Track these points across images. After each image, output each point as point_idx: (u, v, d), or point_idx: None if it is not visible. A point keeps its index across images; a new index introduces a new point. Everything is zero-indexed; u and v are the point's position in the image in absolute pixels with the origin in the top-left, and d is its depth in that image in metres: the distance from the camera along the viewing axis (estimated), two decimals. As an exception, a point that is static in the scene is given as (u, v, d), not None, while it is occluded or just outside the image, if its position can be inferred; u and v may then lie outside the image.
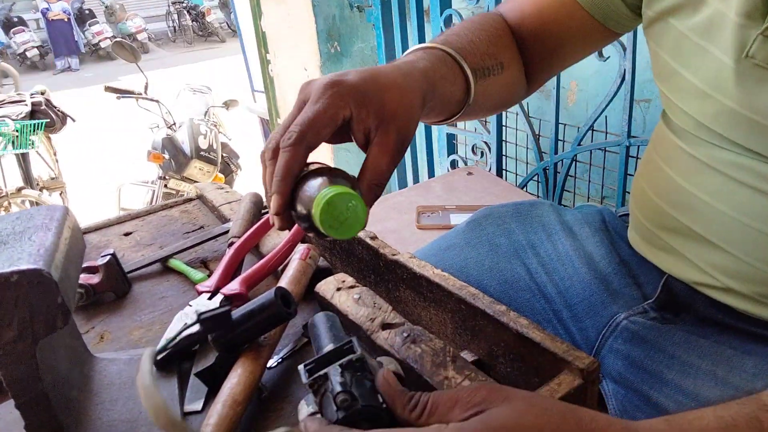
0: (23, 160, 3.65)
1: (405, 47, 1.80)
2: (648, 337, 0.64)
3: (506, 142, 1.62)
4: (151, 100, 3.62)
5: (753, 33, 0.48)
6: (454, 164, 1.79)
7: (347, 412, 0.37)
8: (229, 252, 0.70)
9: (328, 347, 0.43)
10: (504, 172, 1.64)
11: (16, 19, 11.98)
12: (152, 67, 8.72)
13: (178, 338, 0.53)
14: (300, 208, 0.44)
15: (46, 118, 3.55)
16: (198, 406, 0.52)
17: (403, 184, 2.03)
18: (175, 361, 0.57)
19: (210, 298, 0.62)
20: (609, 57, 1.25)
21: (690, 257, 0.61)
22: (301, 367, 0.41)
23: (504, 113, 1.57)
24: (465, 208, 1.40)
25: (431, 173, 1.88)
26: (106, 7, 13.69)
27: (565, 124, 1.44)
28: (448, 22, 1.55)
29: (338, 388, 0.37)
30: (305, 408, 0.42)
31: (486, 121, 1.59)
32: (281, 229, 0.46)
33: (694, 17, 0.54)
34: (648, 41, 0.63)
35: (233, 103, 3.96)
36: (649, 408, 0.59)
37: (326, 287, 0.63)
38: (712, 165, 0.56)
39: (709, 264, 0.59)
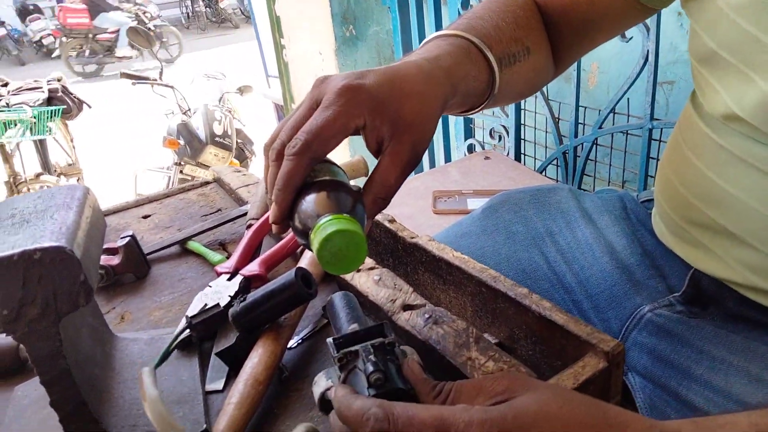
0: (41, 147, 3.69)
1: (421, 31, 1.78)
2: (675, 331, 0.61)
3: (525, 125, 1.60)
4: (166, 86, 3.63)
5: None
6: (471, 149, 1.77)
7: (379, 391, 0.36)
8: (248, 234, 0.70)
9: (352, 327, 0.43)
10: (522, 156, 1.62)
11: (32, 7, 12.04)
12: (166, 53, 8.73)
13: (176, 342, 0.53)
14: (298, 224, 0.42)
15: (62, 104, 3.58)
16: (219, 385, 0.52)
17: (419, 168, 2.01)
18: (196, 341, 0.57)
19: (229, 279, 0.62)
20: (632, 38, 1.22)
21: (718, 253, 0.58)
22: (330, 340, 0.41)
23: (522, 96, 1.55)
24: (482, 193, 1.38)
25: (448, 158, 1.86)
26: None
27: (585, 107, 1.41)
28: (465, 5, 1.53)
29: (371, 367, 0.37)
30: (323, 381, 0.42)
31: (503, 106, 1.57)
32: (279, 234, 0.45)
33: None
34: (689, 17, 0.60)
35: (247, 89, 3.95)
36: (679, 404, 0.58)
37: (346, 269, 0.62)
38: (744, 158, 0.52)
39: (738, 261, 0.56)
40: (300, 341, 0.57)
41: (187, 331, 0.55)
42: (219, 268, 0.64)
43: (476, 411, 0.33)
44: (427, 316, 0.52)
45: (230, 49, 10.13)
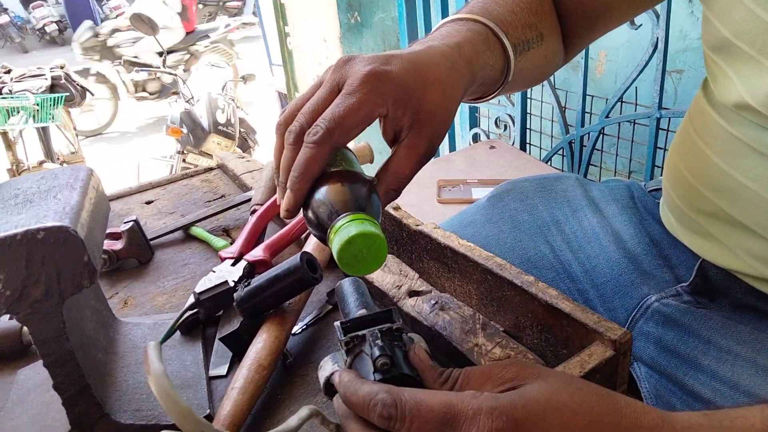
0: (44, 134, 3.68)
1: (427, 18, 1.76)
2: (682, 321, 0.60)
3: (530, 115, 1.59)
4: (169, 73, 3.62)
5: None
6: (476, 138, 1.76)
7: (385, 376, 0.36)
8: (252, 219, 0.69)
9: (360, 312, 0.42)
10: (528, 146, 1.61)
11: (35, -6, 11.99)
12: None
13: (182, 319, 0.53)
14: (312, 216, 0.40)
15: (65, 92, 3.57)
16: (223, 370, 0.52)
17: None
18: (199, 326, 0.56)
19: (233, 265, 0.61)
20: (641, 25, 1.20)
21: (727, 243, 0.57)
22: (337, 324, 0.40)
23: (528, 85, 1.53)
24: (487, 182, 1.37)
25: (452, 147, 1.85)
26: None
27: (592, 96, 1.40)
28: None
29: (378, 352, 0.36)
30: (329, 365, 0.41)
31: (510, 94, 1.55)
32: (288, 218, 0.44)
33: None
34: (702, 4, 0.59)
35: (251, 78, 3.94)
36: (685, 394, 0.57)
37: (351, 255, 0.62)
38: (756, 148, 0.51)
39: (747, 251, 0.55)
40: (304, 327, 0.56)
41: (194, 309, 0.54)
42: (223, 253, 0.63)
43: (485, 398, 0.33)
44: (433, 302, 0.51)
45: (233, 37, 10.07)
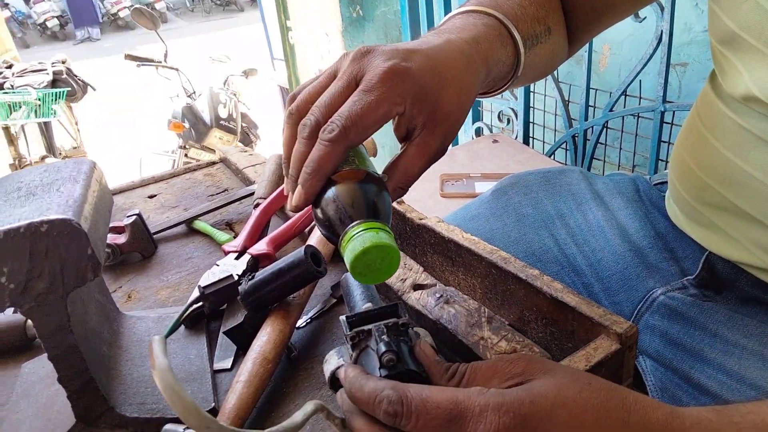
0: (46, 129, 3.68)
1: (429, 11, 1.75)
2: (688, 314, 0.60)
3: (534, 108, 1.58)
4: (171, 68, 3.61)
5: None
6: (478, 132, 1.75)
7: (391, 372, 0.36)
8: (255, 213, 0.69)
9: (366, 306, 0.42)
10: (531, 140, 1.61)
11: (36, -11, 11.97)
12: (171, 36, 8.66)
13: (187, 313, 0.52)
14: (322, 216, 0.39)
15: (67, 86, 3.56)
16: (227, 364, 0.51)
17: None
18: (203, 320, 0.56)
19: (237, 258, 0.61)
20: (645, 18, 1.20)
21: (734, 235, 0.57)
22: (342, 318, 0.40)
23: (532, 79, 1.53)
24: (490, 176, 1.37)
25: (455, 141, 1.85)
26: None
27: (596, 90, 1.39)
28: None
29: (384, 348, 0.36)
30: (335, 359, 0.41)
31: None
32: (295, 212, 0.44)
33: None
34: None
35: (252, 72, 3.93)
36: (691, 387, 0.57)
37: (355, 248, 0.61)
38: (766, 140, 0.51)
39: (755, 243, 0.55)
40: (309, 320, 0.56)
41: (199, 303, 0.54)
42: (226, 247, 0.63)
43: (492, 394, 0.33)
44: (438, 295, 0.51)
45: (235, 32, 10.06)
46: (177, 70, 3.65)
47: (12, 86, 3.34)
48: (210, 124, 3.49)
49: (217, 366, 0.51)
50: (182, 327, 0.55)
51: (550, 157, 1.51)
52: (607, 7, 0.65)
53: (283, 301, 0.52)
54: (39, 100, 3.28)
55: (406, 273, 0.55)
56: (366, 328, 0.39)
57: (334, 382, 0.41)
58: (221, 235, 0.72)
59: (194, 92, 3.72)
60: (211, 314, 0.56)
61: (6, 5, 10.79)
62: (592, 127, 1.39)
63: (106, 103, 5.86)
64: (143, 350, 0.52)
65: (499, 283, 0.59)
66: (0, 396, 0.50)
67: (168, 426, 0.43)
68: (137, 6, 3.88)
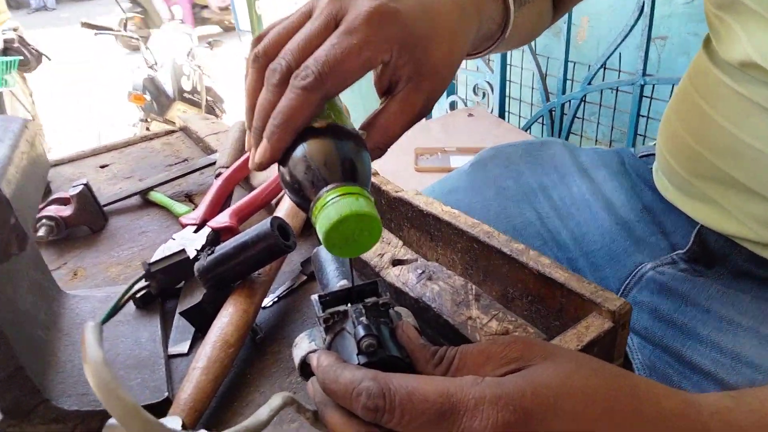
0: (-3, 100, 3.47)
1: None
2: (679, 290, 0.58)
3: (510, 82, 1.54)
4: (131, 37, 3.44)
5: None
6: (453, 105, 1.71)
7: (371, 359, 0.31)
8: (217, 183, 0.63)
9: (341, 283, 0.37)
10: (507, 114, 1.57)
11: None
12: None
13: (129, 294, 0.46)
14: (290, 179, 0.34)
15: (19, 56, 3.36)
16: (184, 348, 0.46)
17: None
18: (157, 299, 0.50)
19: (196, 232, 0.55)
20: (626, -12, 1.16)
21: (728, 207, 0.55)
22: (314, 297, 0.35)
23: (509, 50, 1.48)
24: (466, 150, 1.33)
25: (428, 114, 1.80)
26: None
27: (574, 63, 1.36)
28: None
29: (362, 331, 0.31)
30: (305, 343, 0.36)
31: (489, 60, 1.50)
32: (258, 170, 0.37)
33: None
34: None
35: (217, 43, 3.78)
36: (682, 366, 0.54)
37: (327, 221, 0.56)
38: (765, 106, 0.48)
39: (749, 215, 0.52)
40: (276, 299, 0.51)
41: (144, 281, 0.48)
42: (184, 219, 0.57)
43: (488, 384, 0.28)
44: (419, 271, 0.46)
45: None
46: (137, 39, 3.48)
47: (-41, 54, 3.13)
48: (173, 97, 3.35)
49: (172, 350, 0.46)
50: (133, 306, 0.49)
51: (526, 131, 1.48)
52: None
53: (247, 279, 0.47)
54: (-12, 69, 3.08)
55: (385, 247, 0.51)
56: (341, 308, 0.34)
57: (305, 369, 0.36)
58: (179, 207, 0.66)
59: (156, 63, 3.56)
60: (162, 293, 0.50)
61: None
62: (570, 101, 1.36)
63: (63, 74, 5.59)
64: (87, 334, 0.46)
65: (481, 258, 0.55)
66: None
67: (113, 421, 0.37)
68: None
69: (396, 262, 0.49)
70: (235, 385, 0.42)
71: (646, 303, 0.60)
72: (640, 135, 1.24)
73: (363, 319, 0.33)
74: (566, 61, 1.34)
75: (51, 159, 0.85)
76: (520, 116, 1.57)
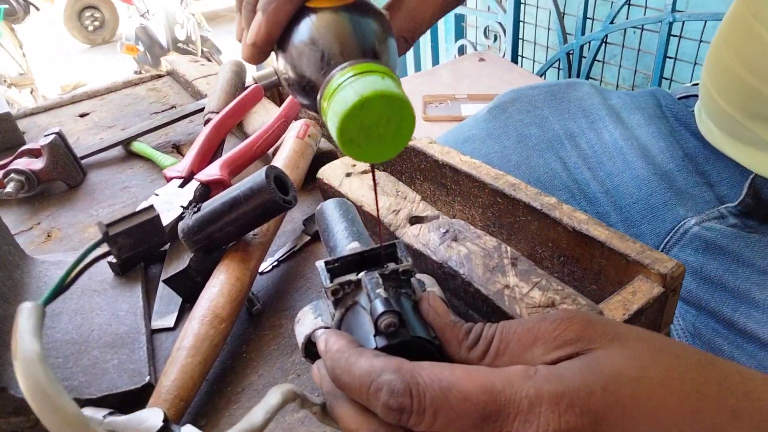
0: (-16, 54, 3.35)
1: None
2: (729, 248, 0.52)
3: (524, 23, 1.43)
4: (120, -17, 3.28)
5: None
6: (462, 50, 1.60)
7: (391, 341, 0.24)
8: (206, 130, 0.55)
9: (351, 246, 0.30)
10: (520, 58, 1.46)
11: None
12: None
13: (79, 266, 0.38)
14: (294, 62, 0.26)
15: (3, 4, 3.21)
16: (169, 322, 0.40)
17: (402, 72, 1.82)
18: (139, 264, 0.44)
19: (182, 186, 0.48)
20: None
21: None
22: (320, 264, 0.28)
23: (524, -12, 1.37)
24: (478, 98, 1.24)
25: (436, 60, 1.69)
26: None
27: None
28: None
29: (381, 307, 0.25)
30: (310, 318, 0.30)
31: (502, -2, 1.39)
32: (250, 61, 0.29)
33: None
34: None
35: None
36: (733, 334, 0.49)
37: (332, 173, 0.49)
38: None
39: None
40: (275, 264, 0.44)
41: (105, 249, 0.41)
42: (168, 172, 0.50)
43: (545, 378, 0.22)
44: (443, 230, 0.39)
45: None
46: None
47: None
48: (166, 47, 3.22)
49: (155, 325, 0.40)
50: (110, 273, 0.43)
51: (541, 77, 1.38)
52: None
53: (241, 240, 0.40)
54: (-28, 18, 2.95)
55: (400, 203, 0.44)
56: (353, 277, 0.28)
57: (310, 350, 0.30)
58: (165, 159, 0.59)
59: (147, 11, 3.40)
60: (125, 264, 0.42)
61: None
62: (590, 42, 1.25)
63: (56, 26, 5.39)
64: (56, 306, 0.39)
65: (505, 214, 0.49)
66: None
67: (83, 411, 0.31)
68: None
69: (414, 220, 0.42)
70: (229, 368, 0.36)
71: (690, 263, 0.55)
72: (666, 78, 1.15)
73: (380, 291, 0.26)
74: (587, -2, 1.23)
75: (27, 108, 0.77)
76: (534, 61, 1.47)
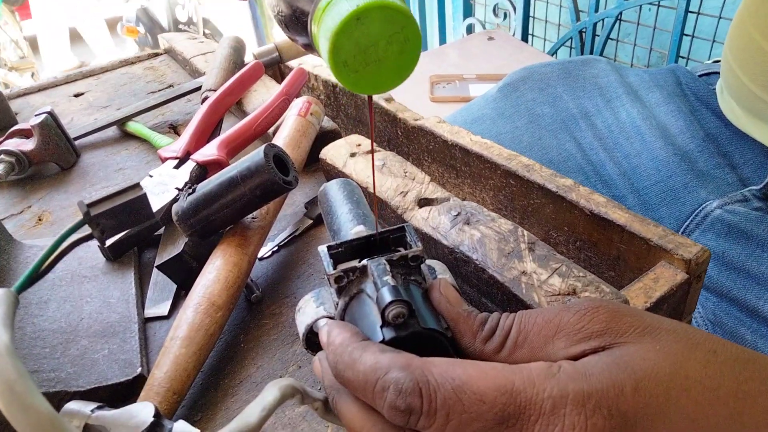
0: (-17, 36, 3.31)
1: None
2: (753, 233, 0.50)
3: (535, 0, 1.38)
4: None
5: None
6: (470, 29, 1.56)
7: (399, 333, 0.22)
8: (203, 109, 0.53)
9: (356, 229, 0.28)
10: (530, 37, 1.42)
11: None
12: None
13: (57, 251, 0.35)
14: None
15: (4, -13, 3.17)
16: (163, 310, 0.38)
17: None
18: (133, 248, 0.41)
19: (177, 167, 0.46)
20: None
21: None
22: (322, 249, 0.26)
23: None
24: (487, 78, 1.20)
25: (443, 39, 1.65)
26: None
27: (609, -26, 1.20)
28: None
29: (388, 296, 0.22)
30: (312, 308, 0.27)
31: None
32: None
33: None
34: None
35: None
36: (757, 322, 0.46)
37: (335, 152, 0.46)
38: None
39: None
40: (275, 249, 0.42)
41: (84, 230, 0.38)
42: (163, 152, 0.47)
43: (569, 376, 0.20)
44: (454, 213, 0.37)
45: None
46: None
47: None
48: (167, 29, 3.17)
49: (149, 313, 0.38)
50: (101, 258, 0.41)
51: (552, 56, 1.34)
52: None
53: (239, 224, 0.38)
54: (-30, 0, 2.90)
55: (408, 184, 0.41)
56: (358, 264, 0.25)
57: (312, 341, 0.28)
58: (161, 139, 0.56)
59: (149, -9, 3.35)
60: (117, 249, 0.40)
61: None
62: (603, 20, 1.21)
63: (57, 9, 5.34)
64: (44, 293, 0.37)
65: (518, 197, 0.47)
66: None
67: (70, 405, 0.29)
68: None
69: (423, 202, 0.39)
70: (226, 359, 0.34)
71: (712, 248, 0.52)
72: (683, 57, 1.11)
73: (388, 278, 0.24)
74: (600, -27, 1.18)
75: (20, 88, 0.74)
76: (545, 39, 1.42)
